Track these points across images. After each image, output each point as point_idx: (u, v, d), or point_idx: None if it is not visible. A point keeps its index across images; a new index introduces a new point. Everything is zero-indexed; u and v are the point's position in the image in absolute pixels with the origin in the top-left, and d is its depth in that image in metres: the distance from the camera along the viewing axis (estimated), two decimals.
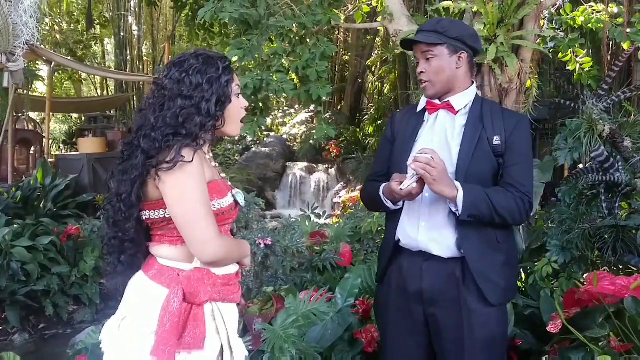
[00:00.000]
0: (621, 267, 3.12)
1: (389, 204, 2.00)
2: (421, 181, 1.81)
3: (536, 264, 3.18)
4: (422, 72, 1.96)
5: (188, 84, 1.61)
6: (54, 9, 15.07)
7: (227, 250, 1.63)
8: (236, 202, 1.75)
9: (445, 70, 1.93)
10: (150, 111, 1.63)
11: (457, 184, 1.82)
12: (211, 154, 1.80)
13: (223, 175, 1.80)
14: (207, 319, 1.63)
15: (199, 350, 1.59)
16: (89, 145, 9.27)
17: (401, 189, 1.82)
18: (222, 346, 1.67)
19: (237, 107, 1.74)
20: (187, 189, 1.54)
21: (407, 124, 2.08)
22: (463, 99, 1.98)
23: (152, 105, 1.64)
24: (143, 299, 1.64)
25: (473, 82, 2.04)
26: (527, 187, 1.89)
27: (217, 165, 1.80)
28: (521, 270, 3.29)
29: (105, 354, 1.68)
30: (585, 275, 2.85)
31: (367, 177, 2.23)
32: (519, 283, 3.19)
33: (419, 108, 2.07)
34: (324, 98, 4.04)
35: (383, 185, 1.99)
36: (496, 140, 1.90)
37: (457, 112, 1.97)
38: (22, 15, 6.12)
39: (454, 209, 1.84)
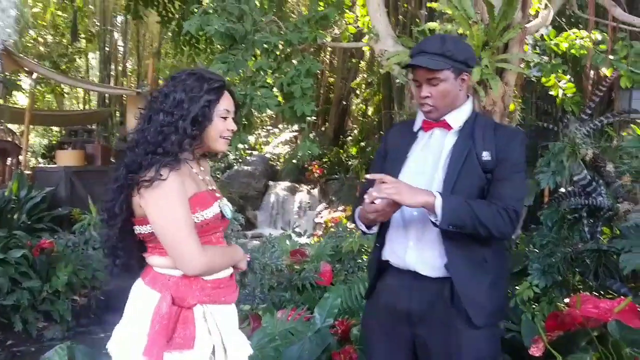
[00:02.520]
0: (602, 292, 3.10)
1: (363, 228, 1.98)
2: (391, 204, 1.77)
3: (517, 287, 3.15)
4: (427, 96, 1.89)
5: (171, 100, 1.69)
6: (39, 21, 14.97)
7: (212, 262, 1.71)
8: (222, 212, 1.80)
9: (450, 94, 1.89)
10: (142, 122, 1.73)
11: (435, 192, 1.78)
12: (202, 167, 1.86)
13: (213, 187, 1.85)
14: (198, 320, 1.71)
15: (189, 350, 1.68)
16: (68, 158, 9.13)
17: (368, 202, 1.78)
18: (214, 346, 1.74)
19: (218, 129, 1.77)
20: (166, 208, 1.63)
21: (400, 139, 2.04)
22: (460, 116, 1.94)
23: (144, 116, 1.74)
24: (139, 303, 1.74)
25: (468, 97, 2.00)
26: (512, 199, 1.83)
27: (207, 177, 1.86)
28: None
29: (112, 357, 1.78)
30: (567, 300, 2.83)
31: (358, 194, 2.18)
32: None
33: (416, 127, 2.02)
34: (309, 117, 4.02)
35: (358, 208, 1.95)
36: (485, 156, 1.85)
37: (452, 129, 1.94)
38: None
39: (433, 220, 1.78)
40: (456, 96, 1.91)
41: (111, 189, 1.71)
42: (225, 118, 1.78)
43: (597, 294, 3.11)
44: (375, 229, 1.99)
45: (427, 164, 1.92)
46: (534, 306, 3.10)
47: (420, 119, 2.01)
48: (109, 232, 1.76)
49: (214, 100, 1.73)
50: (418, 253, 1.89)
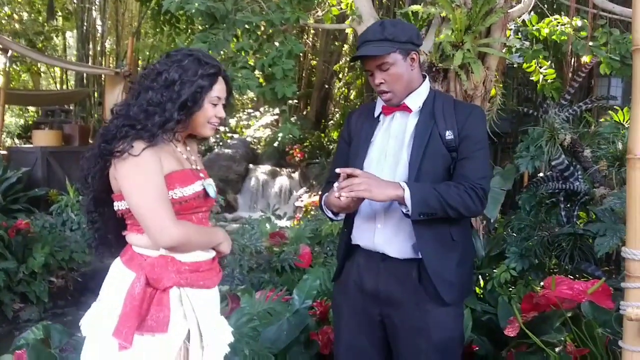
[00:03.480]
0: (577, 275, 3.16)
1: (330, 214, 1.98)
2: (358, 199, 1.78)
3: (495, 270, 3.19)
4: (381, 82, 1.89)
5: (163, 79, 1.64)
6: None
7: (186, 236, 1.63)
8: (206, 192, 1.75)
9: (404, 76, 1.89)
10: (131, 96, 1.70)
11: (402, 183, 1.78)
12: (188, 148, 1.83)
13: (199, 167, 1.81)
14: (174, 303, 1.65)
15: (163, 333, 1.62)
16: (44, 138, 8.94)
17: (337, 197, 1.77)
18: (189, 331, 1.68)
19: (207, 115, 1.73)
20: (138, 180, 1.59)
21: (362, 125, 2.04)
22: (418, 98, 1.95)
23: (133, 91, 1.71)
24: (115, 282, 1.69)
25: (425, 76, 2.00)
26: (479, 176, 1.84)
27: (193, 157, 1.82)
28: (479, 276, 3.30)
29: (86, 337, 1.72)
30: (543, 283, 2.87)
31: (325, 180, 2.17)
32: (477, 289, 3.20)
33: (376, 113, 2.03)
34: (290, 98, 3.98)
35: (325, 194, 1.95)
36: (448, 135, 1.86)
37: (413, 111, 1.94)
38: None
39: (404, 211, 1.79)
40: (411, 77, 1.92)
41: (85, 157, 1.71)
42: (215, 105, 1.74)
43: (572, 276, 3.17)
44: (342, 216, 1.99)
45: (391, 147, 1.93)
46: (510, 289, 3.14)
47: (380, 104, 2.02)
48: (85, 200, 1.78)
49: (206, 87, 1.68)
50: (386, 235, 1.90)
